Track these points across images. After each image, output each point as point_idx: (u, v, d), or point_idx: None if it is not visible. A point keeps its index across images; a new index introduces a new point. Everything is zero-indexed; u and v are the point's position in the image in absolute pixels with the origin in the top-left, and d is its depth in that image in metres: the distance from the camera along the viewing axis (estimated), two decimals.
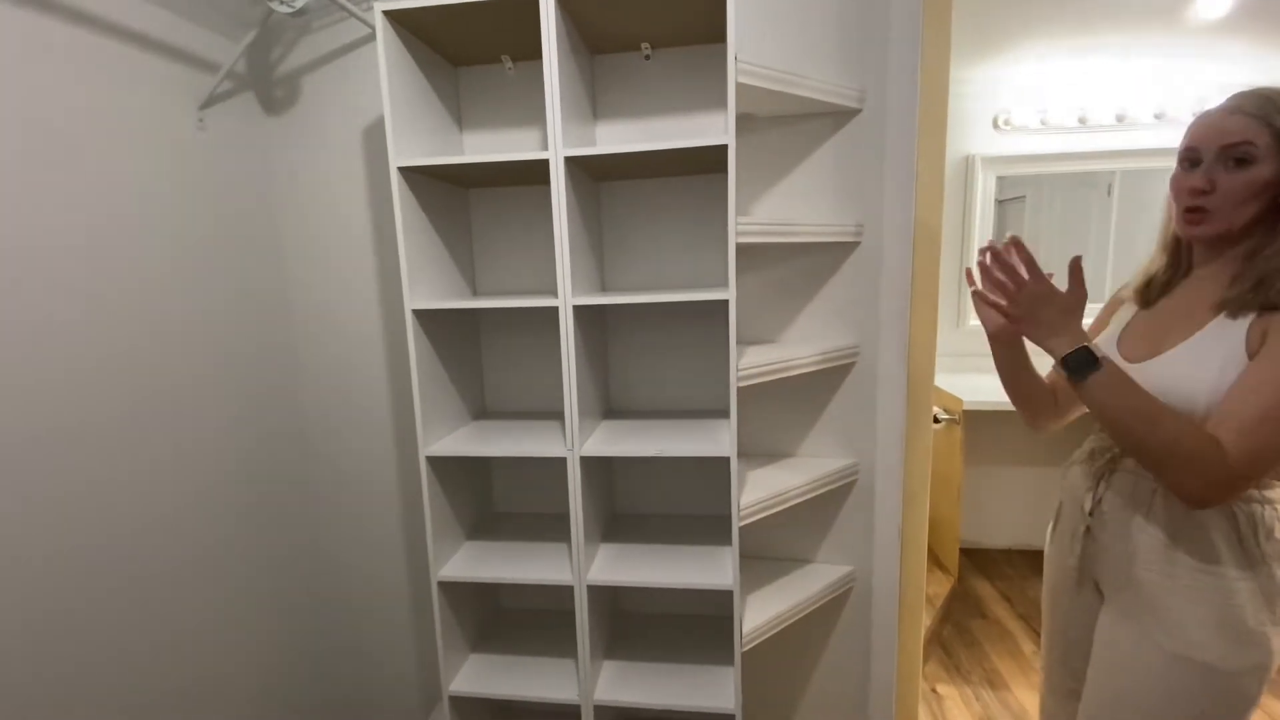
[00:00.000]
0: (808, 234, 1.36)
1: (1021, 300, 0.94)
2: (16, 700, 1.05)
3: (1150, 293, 1.03)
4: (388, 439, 1.70)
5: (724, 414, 1.50)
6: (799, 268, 1.49)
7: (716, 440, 1.30)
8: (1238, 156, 0.85)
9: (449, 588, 1.40)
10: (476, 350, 1.61)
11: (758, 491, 1.34)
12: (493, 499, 1.69)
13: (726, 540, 1.44)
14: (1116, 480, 1.00)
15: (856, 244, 1.45)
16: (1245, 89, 0.88)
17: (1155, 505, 0.94)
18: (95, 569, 1.18)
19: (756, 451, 1.58)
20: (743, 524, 1.27)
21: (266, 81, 1.57)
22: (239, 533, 1.51)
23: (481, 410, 1.63)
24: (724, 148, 1.15)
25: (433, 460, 1.34)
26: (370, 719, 1.86)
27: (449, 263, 1.45)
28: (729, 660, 1.45)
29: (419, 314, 1.30)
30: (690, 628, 1.60)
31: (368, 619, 1.80)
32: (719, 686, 1.38)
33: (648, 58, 1.41)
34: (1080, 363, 0.88)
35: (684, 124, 1.43)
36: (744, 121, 1.42)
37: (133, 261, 1.25)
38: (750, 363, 1.27)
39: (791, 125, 1.44)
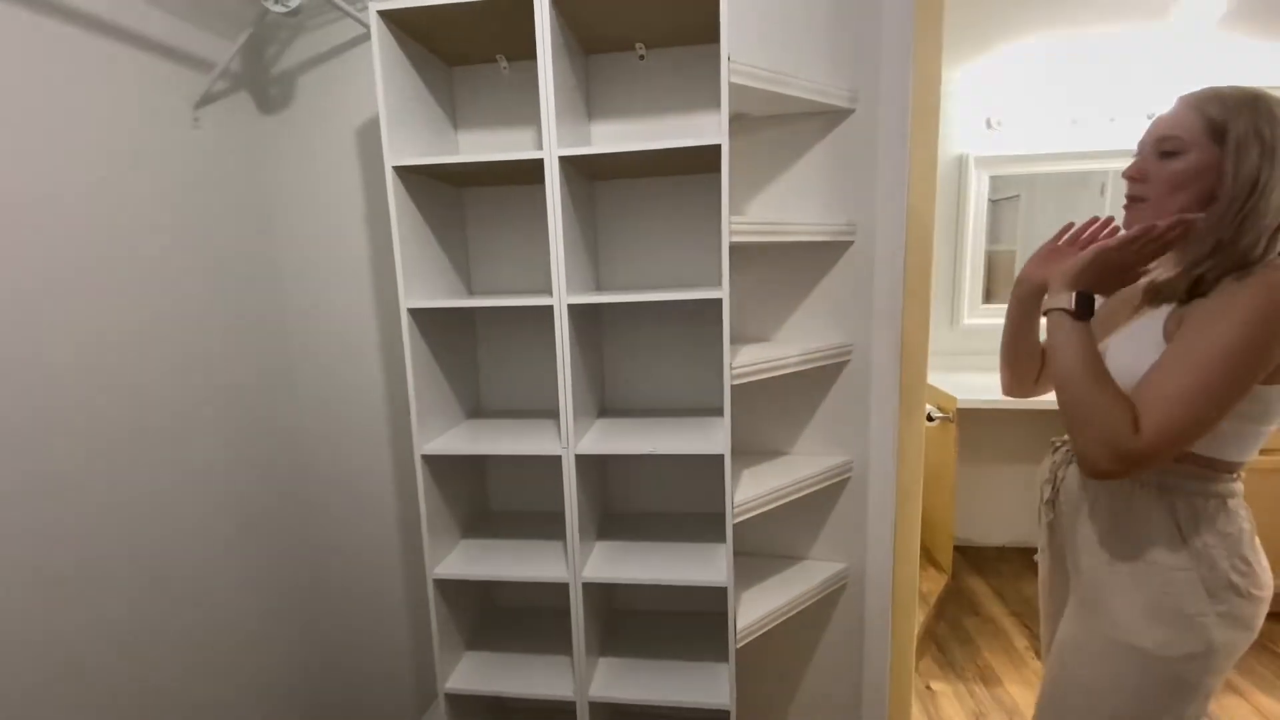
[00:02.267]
0: (801, 233, 1.36)
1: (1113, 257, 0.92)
2: (16, 703, 1.05)
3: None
4: (382, 437, 1.70)
5: (718, 412, 1.51)
6: (792, 267, 1.50)
7: (711, 438, 1.31)
8: (1165, 150, 0.88)
9: (445, 585, 1.41)
10: (472, 349, 1.61)
11: (752, 489, 1.35)
12: (487, 497, 1.69)
13: (720, 538, 1.44)
14: (1070, 472, 1.04)
15: (850, 243, 1.46)
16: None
17: (1100, 496, 0.97)
18: (88, 568, 1.18)
19: (750, 449, 1.59)
20: (737, 521, 1.28)
21: (261, 81, 1.57)
22: (232, 531, 1.51)
23: (476, 409, 1.64)
24: (717, 148, 1.16)
25: (428, 459, 1.35)
26: (365, 717, 1.86)
27: (444, 262, 1.45)
28: (723, 657, 1.45)
29: (414, 313, 1.30)
30: (684, 625, 1.60)
31: (362, 617, 1.81)
32: (714, 683, 1.38)
33: (642, 58, 1.41)
34: (1088, 307, 0.90)
35: (678, 124, 1.44)
36: (737, 121, 1.43)
37: (129, 259, 1.25)
38: (744, 361, 1.27)
39: (784, 125, 1.45)
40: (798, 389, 1.53)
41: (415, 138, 1.32)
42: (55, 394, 1.11)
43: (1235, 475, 0.90)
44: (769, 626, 1.39)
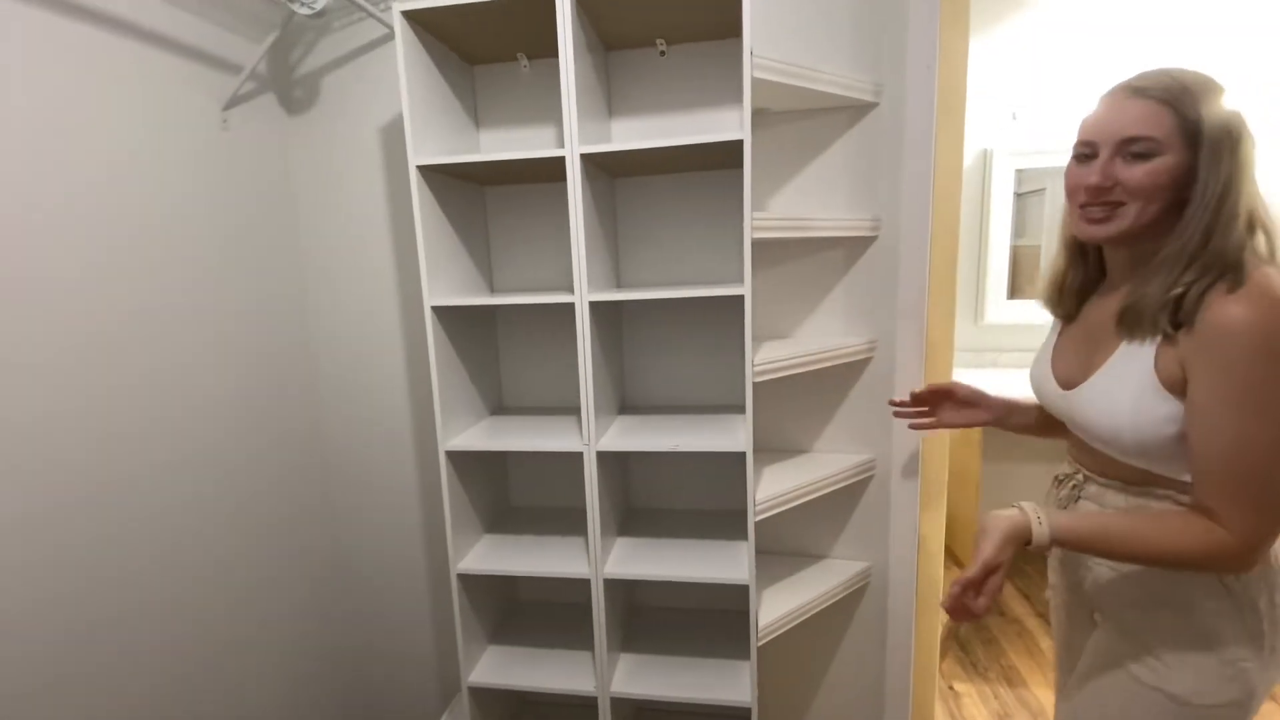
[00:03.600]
0: (824, 229, 1.35)
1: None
2: (40, 699, 1.08)
3: (1065, 302, 0.97)
4: (405, 434, 1.72)
5: (739, 409, 1.50)
6: (815, 263, 1.49)
7: (732, 435, 1.30)
8: (1136, 151, 0.78)
9: (468, 580, 1.42)
10: (493, 346, 1.62)
11: (774, 486, 1.34)
12: (509, 493, 1.71)
13: (741, 535, 1.44)
14: (1080, 509, 0.94)
15: (873, 239, 1.44)
16: (1150, 69, 0.80)
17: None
18: (118, 566, 1.21)
19: (772, 446, 1.58)
20: (758, 519, 1.28)
21: (286, 82, 1.59)
22: (258, 528, 1.55)
23: (498, 406, 1.65)
24: (740, 143, 1.15)
25: (452, 455, 1.36)
26: (389, 711, 1.89)
27: (466, 260, 1.47)
28: (744, 654, 1.45)
29: (438, 310, 1.32)
30: (705, 622, 1.60)
31: (387, 612, 1.83)
32: (735, 680, 1.38)
33: (663, 53, 1.41)
34: (1036, 546, 0.80)
35: (699, 119, 1.44)
36: (759, 116, 1.42)
37: (159, 260, 1.28)
38: (766, 358, 1.27)
39: (807, 120, 1.43)
40: (820, 386, 1.52)
41: (438, 137, 1.33)
42: (77, 391, 1.14)
43: None
44: (791, 625, 1.39)
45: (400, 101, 1.52)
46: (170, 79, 1.29)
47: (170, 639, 1.30)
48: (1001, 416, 1.16)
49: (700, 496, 1.61)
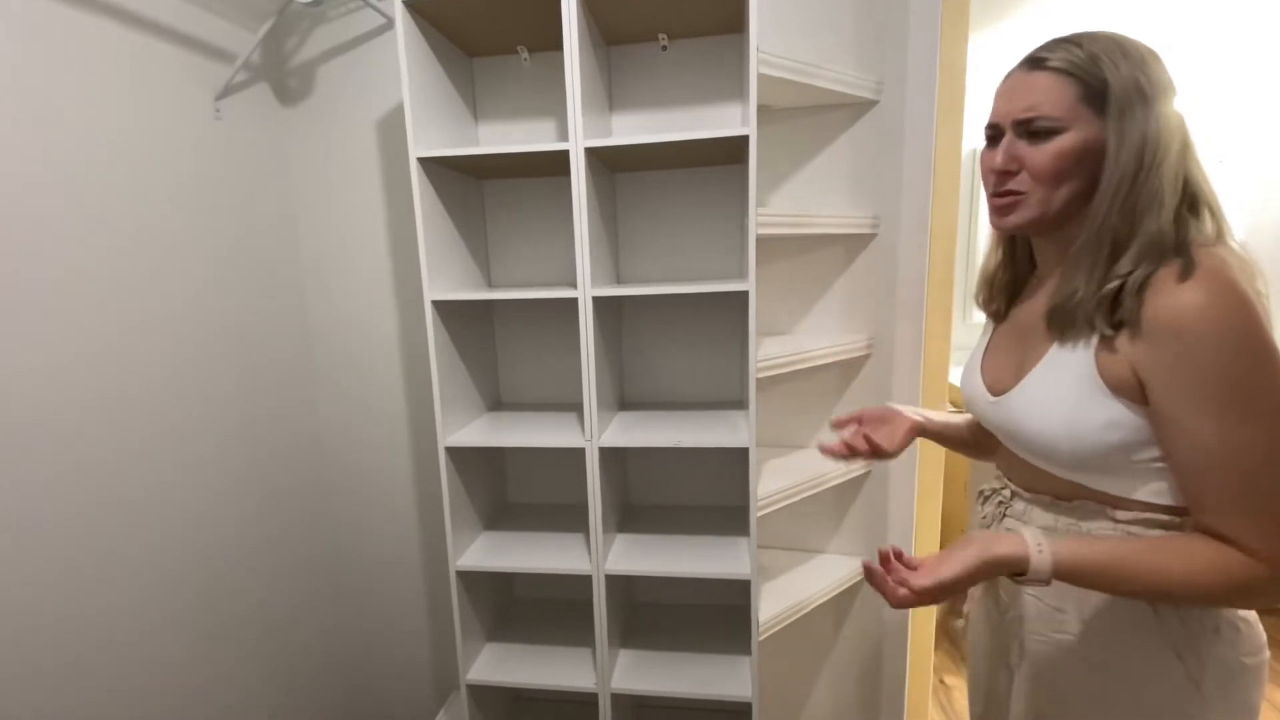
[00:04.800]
0: (825, 226, 1.36)
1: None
2: (26, 695, 1.06)
3: (993, 300, 0.88)
4: (402, 430, 1.70)
5: (737, 405, 1.50)
6: (814, 260, 1.49)
7: (733, 431, 1.30)
8: (1035, 130, 0.69)
9: (467, 577, 1.41)
10: (490, 342, 1.61)
11: (774, 482, 1.34)
12: (506, 489, 1.70)
13: (740, 531, 1.45)
14: (1006, 527, 0.82)
15: (873, 236, 1.45)
16: (1058, 35, 0.72)
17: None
18: (114, 563, 1.19)
19: (770, 443, 1.59)
20: (760, 514, 1.28)
21: (280, 72, 1.56)
22: (253, 527, 1.52)
23: (496, 402, 1.64)
24: (743, 139, 1.15)
25: (451, 451, 1.35)
26: (385, 708, 1.88)
27: (465, 254, 1.45)
28: (743, 649, 1.46)
29: (438, 305, 1.30)
30: (702, 617, 1.61)
31: (383, 609, 1.81)
32: (734, 675, 1.39)
33: (664, 48, 1.40)
34: (1031, 578, 0.66)
35: (699, 115, 1.43)
36: (760, 113, 1.42)
37: (151, 252, 1.25)
38: (767, 354, 1.27)
39: (807, 117, 1.44)
40: (818, 382, 1.53)
41: (437, 129, 1.32)
42: (68, 387, 1.11)
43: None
44: (791, 619, 1.39)
45: (396, 93, 1.52)
46: (161, 67, 1.26)
47: (160, 637, 1.28)
48: (919, 424, 1.00)
49: (697, 492, 1.61)
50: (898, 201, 1.42)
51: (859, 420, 1.02)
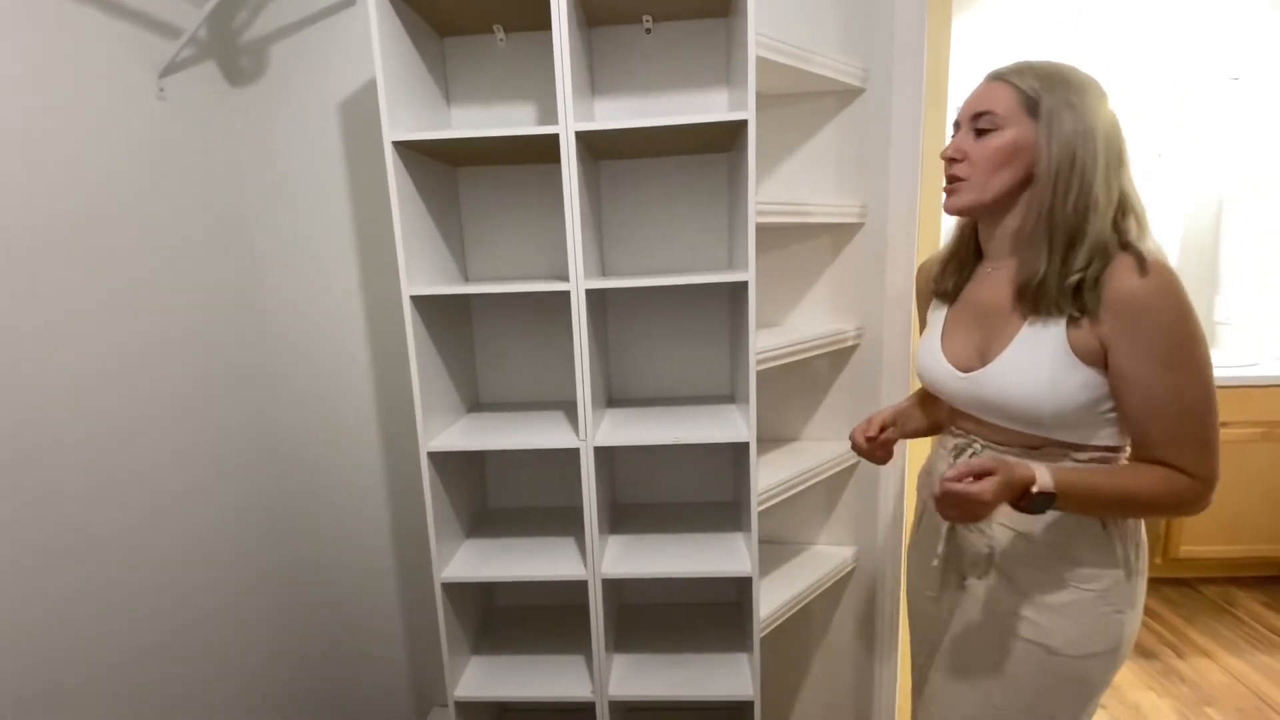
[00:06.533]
0: (818, 214, 1.34)
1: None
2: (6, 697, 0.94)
3: (944, 281, 1.00)
4: (371, 435, 1.60)
5: (727, 399, 1.47)
6: (802, 250, 1.47)
7: (729, 425, 1.27)
8: (981, 127, 0.86)
9: (452, 589, 1.33)
10: (469, 340, 1.53)
11: (770, 476, 1.32)
12: (486, 495, 1.62)
13: (732, 527, 1.42)
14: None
15: (860, 225, 1.44)
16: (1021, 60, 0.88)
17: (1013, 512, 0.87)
18: (78, 573, 1.06)
19: (761, 436, 1.56)
20: (761, 509, 1.25)
21: (231, 49, 1.43)
22: (219, 538, 1.40)
23: (475, 402, 1.56)
24: (742, 123, 1.11)
25: (433, 456, 1.26)
26: None
27: (441, 246, 1.37)
28: (739, 647, 1.43)
29: (417, 300, 1.22)
30: (694, 617, 1.57)
31: (355, 625, 1.71)
32: (733, 674, 1.36)
33: (649, 30, 1.35)
34: (1040, 506, 0.81)
35: (685, 100, 1.39)
36: None
37: (90, 245, 1.12)
38: (762, 346, 1.24)
39: (794, 105, 1.41)
40: (807, 374, 1.51)
41: (409, 112, 1.23)
42: (9, 396, 0.99)
43: (1121, 451, 0.87)
44: (790, 613, 1.37)
45: (358, 75, 1.42)
46: (99, 39, 1.13)
47: (130, 648, 1.16)
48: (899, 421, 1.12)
49: (685, 490, 1.57)
50: (885, 190, 1.41)
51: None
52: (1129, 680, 1.96)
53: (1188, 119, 2.58)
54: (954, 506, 0.79)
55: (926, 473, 1.08)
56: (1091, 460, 0.86)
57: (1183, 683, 1.95)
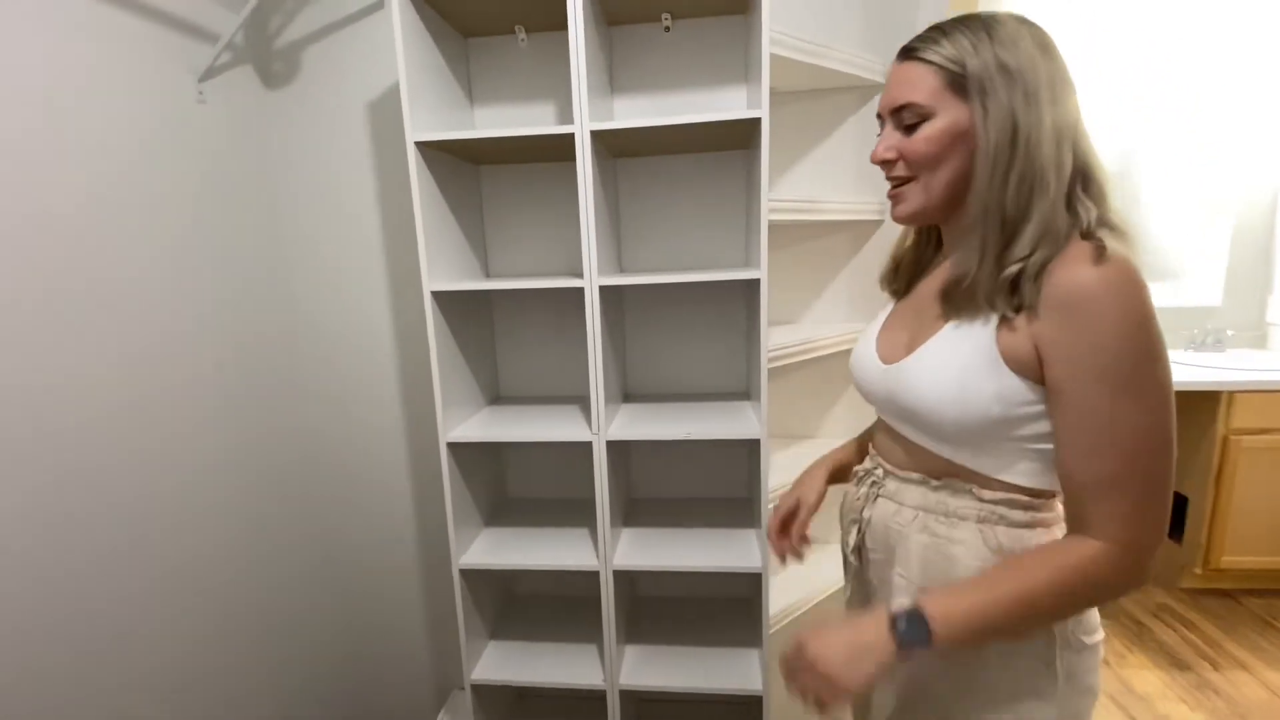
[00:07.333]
0: (834, 212, 1.33)
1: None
2: (24, 695, 1.01)
3: (898, 279, 0.89)
4: (397, 425, 1.66)
5: (741, 395, 1.48)
6: (819, 248, 1.47)
7: (743, 422, 1.28)
8: (907, 123, 0.71)
9: (470, 575, 1.38)
10: (490, 334, 1.57)
11: (786, 472, 1.32)
12: (506, 485, 1.66)
13: (745, 523, 1.43)
14: (877, 511, 0.82)
15: (879, 223, 1.43)
16: (931, 25, 0.72)
17: (911, 540, 0.77)
18: (105, 564, 1.13)
19: (775, 432, 1.57)
20: (773, 505, 1.26)
21: (265, 54, 1.50)
22: (245, 526, 1.47)
23: (495, 395, 1.59)
24: (756, 121, 1.12)
25: (453, 446, 1.31)
26: (383, 709, 1.84)
27: (463, 243, 1.41)
28: (749, 642, 1.44)
29: (438, 295, 1.26)
30: (706, 611, 1.59)
31: (379, 609, 1.77)
32: (742, 668, 1.37)
33: (667, 29, 1.36)
34: (913, 643, 0.64)
35: (703, 99, 1.39)
36: None
37: (131, 242, 1.18)
38: (777, 343, 1.25)
39: (813, 101, 1.41)
40: (823, 372, 1.51)
41: (433, 113, 1.26)
42: (42, 381, 1.06)
43: (1055, 499, 0.72)
44: (801, 610, 1.38)
45: (386, 76, 1.46)
46: (142, 46, 1.20)
47: (154, 640, 1.23)
48: (831, 469, 1.05)
49: (699, 484, 1.59)
50: None
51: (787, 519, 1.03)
52: (1160, 691, 1.91)
53: (1241, 115, 2.47)
54: (810, 689, 0.66)
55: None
56: (1000, 503, 0.70)
57: (1217, 696, 1.88)
